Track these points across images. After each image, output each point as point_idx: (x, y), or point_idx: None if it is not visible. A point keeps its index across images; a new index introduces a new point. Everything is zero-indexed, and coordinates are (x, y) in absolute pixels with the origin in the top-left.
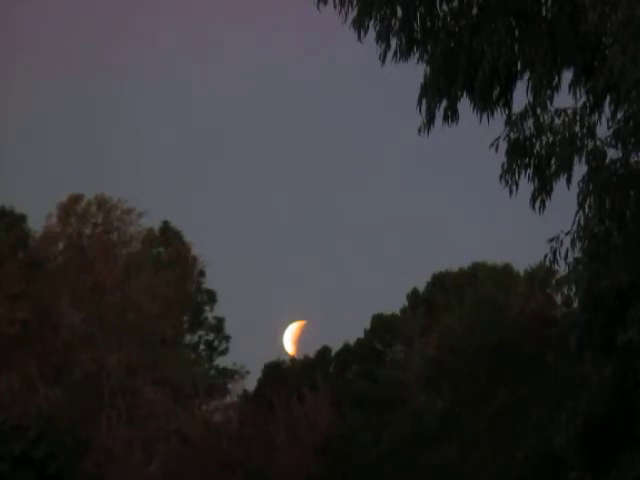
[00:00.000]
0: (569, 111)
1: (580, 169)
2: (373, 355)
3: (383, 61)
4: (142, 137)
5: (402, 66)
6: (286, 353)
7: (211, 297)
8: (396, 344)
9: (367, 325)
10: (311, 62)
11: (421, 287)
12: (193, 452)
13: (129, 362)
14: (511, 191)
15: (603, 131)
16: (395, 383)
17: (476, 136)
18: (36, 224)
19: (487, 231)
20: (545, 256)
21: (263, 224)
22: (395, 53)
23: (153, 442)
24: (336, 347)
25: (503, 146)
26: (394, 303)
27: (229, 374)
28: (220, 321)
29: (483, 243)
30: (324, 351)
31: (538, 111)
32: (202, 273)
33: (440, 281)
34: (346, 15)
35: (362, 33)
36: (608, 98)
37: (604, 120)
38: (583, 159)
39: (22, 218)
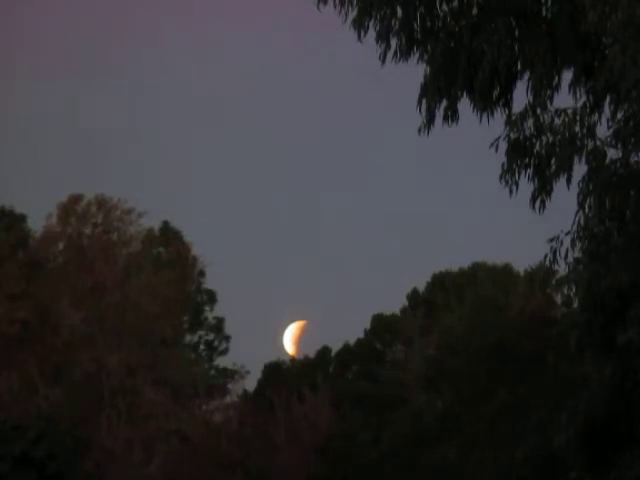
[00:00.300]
0: (569, 111)
1: (580, 169)
2: (373, 355)
3: (383, 61)
4: (142, 137)
5: (402, 66)
6: (286, 353)
7: (211, 297)
8: (396, 344)
9: (367, 325)
10: (311, 62)
11: (421, 287)
12: (193, 452)
13: (129, 362)
14: (511, 191)
15: (603, 131)
16: (395, 383)
17: (476, 136)
18: (36, 224)
19: (487, 231)
20: (545, 256)
21: (263, 224)
22: (395, 53)
23: (153, 442)
24: (336, 347)
25: (503, 146)
26: (394, 303)
27: (229, 374)
28: (220, 321)
29: (483, 243)
30: (324, 351)
31: (538, 111)
32: (202, 273)
33: (440, 281)
34: (346, 15)
35: (362, 33)
36: (608, 98)
37: (604, 120)
38: (583, 159)
39: (22, 218)
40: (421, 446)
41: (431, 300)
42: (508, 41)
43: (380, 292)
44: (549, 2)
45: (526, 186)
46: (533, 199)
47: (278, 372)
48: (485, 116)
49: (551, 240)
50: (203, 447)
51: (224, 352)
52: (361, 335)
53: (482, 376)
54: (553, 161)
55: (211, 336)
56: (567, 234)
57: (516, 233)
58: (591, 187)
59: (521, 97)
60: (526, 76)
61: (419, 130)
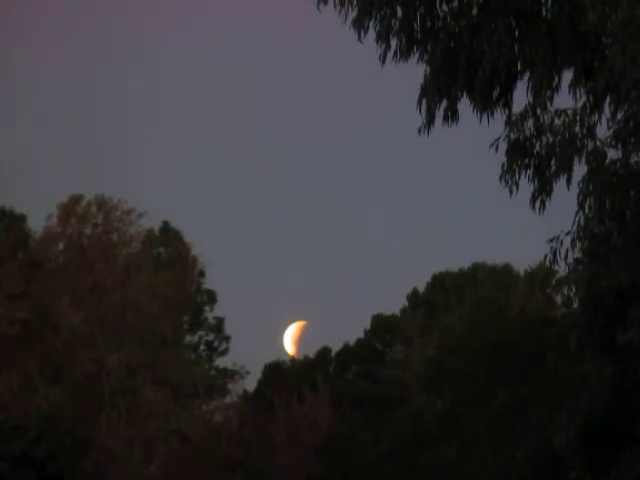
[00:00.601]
0: (569, 111)
1: (580, 169)
2: (373, 355)
3: (383, 61)
4: (142, 137)
5: (402, 66)
6: (286, 353)
7: (211, 297)
8: (396, 344)
9: (367, 325)
10: (311, 62)
11: (421, 287)
12: (193, 452)
13: (129, 362)
14: (511, 191)
15: (603, 131)
16: (395, 383)
17: (476, 136)
18: (36, 224)
19: (487, 231)
20: (545, 256)
21: (263, 224)
22: (395, 53)
23: (153, 442)
24: (336, 347)
25: (503, 146)
26: (394, 303)
27: (229, 374)
28: (220, 321)
29: (483, 243)
30: (324, 351)
31: (538, 111)
32: (202, 273)
33: (440, 281)
34: (346, 15)
35: (362, 33)
36: (608, 98)
37: (604, 120)
38: (583, 159)
39: (22, 218)
40: (421, 446)
41: (431, 300)
42: (508, 41)
43: (380, 292)
44: (549, 2)
45: (526, 186)
46: (533, 199)
47: (278, 372)
48: (485, 116)
49: (551, 240)
50: (203, 447)
51: (224, 352)
52: (361, 335)
53: (482, 376)
54: (553, 161)
55: (211, 336)
56: (567, 234)
57: (516, 233)
58: (591, 187)
59: (521, 97)
60: (526, 76)
61: (419, 130)
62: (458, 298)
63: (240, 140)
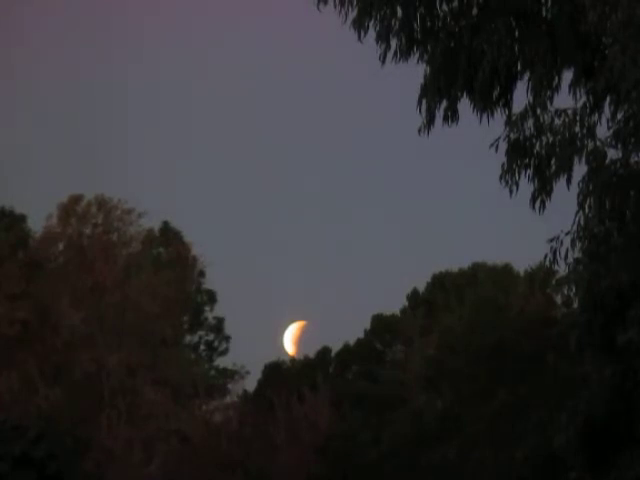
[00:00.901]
0: (569, 111)
1: (580, 169)
2: (373, 355)
3: (383, 61)
4: (142, 137)
5: (402, 66)
6: (286, 353)
7: (211, 297)
8: (396, 344)
9: (367, 325)
10: (311, 62)
11: (421, 287)
12: (193, 452)
13: (129, 362)
14: (511, 191)
15: (603, 131)
16: (395, 383)
17: (476, 136)
18: (36, 224)
19: (487, 231)
20: (545, 256)
21: (263, 224)
22: (395, 53)
23: (153, 442)
24: (336, 347)
25: (503, 146)
26: (394, 303)
27: (229, 374)
28: (220, 321)
29: (483, 243)
30: (324, 351)
31: (538, 111)
32: (202, 273)
33: (440, 281)
34: (346, 15)
35: (362, 33)
36: (608, 98)
37: (604, 120)
38: (583, 159)
39: (22, 218)
40: (421, 446)
41: (431, 300)
42: (508, 41)
43: (380, 292)
44: (549, 2)
45: (526, 186)
46: (533, 199)
47: (278, 372)
48: (485, 116)
49: (551, 240)
50: (203, 447)
51: (224, 352)
52: (361, 335)
53: (482, 376)
54: (553, 161)
55: (211, 336)
56: (567, 234)
57: (516, 233)
58: (591, 187)
59: (521, 97)
60: (526, 76)
61: (419, 130)
62: (458, 298)
63: (240, 140)
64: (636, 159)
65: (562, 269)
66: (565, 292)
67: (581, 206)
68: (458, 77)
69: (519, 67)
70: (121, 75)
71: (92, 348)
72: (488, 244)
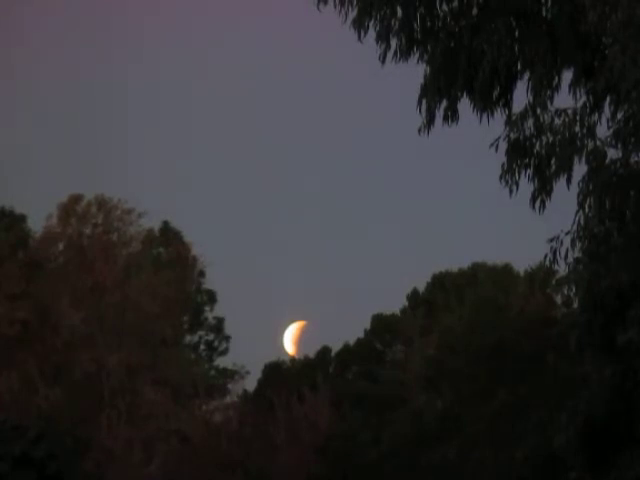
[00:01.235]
0: (569, 111)
1: (580, 169)
2: (373, 355)
3: (383, 61)
4: (142, 137)
5: (402, 66)
6: (286, 353)
7: (211, 297)
8: (396, 344)
9: (367, 325)
10: (311, 62)
11: (421, 287)
12: (193, 452)
13: (129, 362)
14: (511, 191)
15: (603, 131)
16: (395, 383)
17: (476, 136)
18: (36, 224)
19: (487, 231)
20: (545, 256)
21: (263, 224)
22: (395, 53)
23: (153, 442)
24: (336, 347)
25: (503, 146)
26: (394, 303)
27: (229, 374)
28: (220, 321)
29: (483, 243)
30: (324, 351)
31: (538, 111)
32: (202, 273)
33: (440, 281)
34: (346, 15)
35: (362, 33)
36: (608, 98)
37: (604, 120)
38: (583, 159)
39: (22, 218)
40: (421, 446)
41: (431, 300)
42: (508, 41)
43: (380, 292)
44: (549, 2)
45: (526, 186)
46: (533, 199)
47: (278, 372)
48: (485, 116)
49: (551, 240)
50: (203, 447)
51: (224, 352)
52: (361, 335)
53: (482, 376)
54: (553, 161)
55: (211, 336)
56: (567, 234)
57: (516, 233)
58: (591, 187)
59: (521, 97)
60: (526, 76)
61: (419, 130)
62: (458, 298)
63: (240, 140)
64: (636, 159)
65: (562, 269)
66: (565, 292)
67: (581, 206)
68: (458, 77)
69: (519, 67)
70: (121, 75)
71: (92, 348)
72: (488, 244)
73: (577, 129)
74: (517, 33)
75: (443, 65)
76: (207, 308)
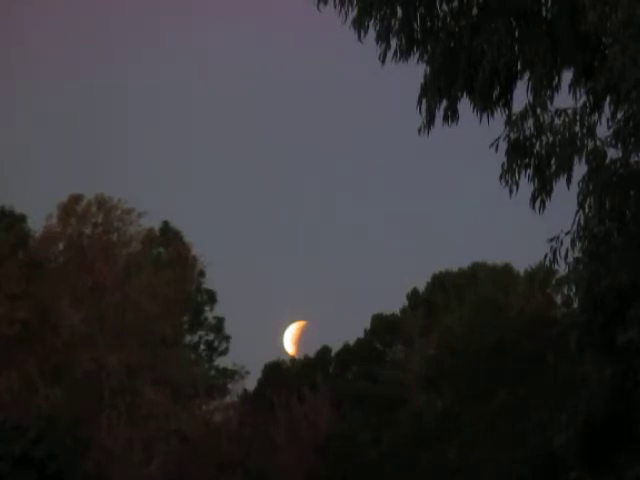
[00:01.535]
0: (569, 111)
1: (580, 169)
2: (373, 355)
3: (383, 61)
4: (142, 137)
5: (402, 66)
6: (286, 353)
7: (211, 297)
8: (396, 344)
9: (367, 325)
10: (311, 62)
11: (421, 287)
12: (193, 452)
13: (129, 362)
14: (511, 191)
15: (603, 131)
16: (395, 383)
17: (476, 136)
18: (36, 224)
19: (487, 231)
20: (545, 256)
21: (263, 224)
22: (395, 53)
23: (153, 442)
24: (336, 347)
25: (503, 146)
26: (394, 303)
27: (229, 374)
28: (220, 321)
29: (483, 243)
30: (324, 351)
31: (538, 111)
32: (202, 273)
33: (440, 281)
34: (346, 15)
35: (362, 33)
36: (608, 98)
37: (604, 120)
38: (583, 159)
39: (22, 218)
40: (421, 446)
41: (431, 300)
42: (508, 41)
43: (380, 292)
44: (549, 2)
45: (526, 186)
46: (533, 199)
47: (278, 372)
48: (485, 116)
49: (551, 240)
50: (203, 447)
51: (224, 352)
52: (361, 335)
53: (482, 376)
54: (553, 161)
55: (211, 336)
56: (567, 234)
57: (516, 233)
58: (591, 187)
59: (521, 97)
60: (526, 76)
61: (419, 130)
62: (458, 298)
63: (240, 140)
64: (636, 159)
65: (562, 269)
66: (565, 292)
67: (581, 206)
68: (458, 77)
69: (519, 67)
70: (121, 75)
71: (92, 348)
72: (488, 244)
73: (577, 129)
74: (517, 33)
75: (443, 65)
76: (207, 308)
